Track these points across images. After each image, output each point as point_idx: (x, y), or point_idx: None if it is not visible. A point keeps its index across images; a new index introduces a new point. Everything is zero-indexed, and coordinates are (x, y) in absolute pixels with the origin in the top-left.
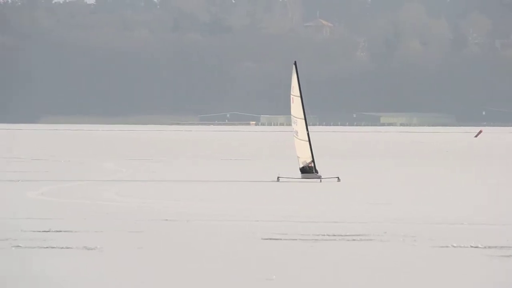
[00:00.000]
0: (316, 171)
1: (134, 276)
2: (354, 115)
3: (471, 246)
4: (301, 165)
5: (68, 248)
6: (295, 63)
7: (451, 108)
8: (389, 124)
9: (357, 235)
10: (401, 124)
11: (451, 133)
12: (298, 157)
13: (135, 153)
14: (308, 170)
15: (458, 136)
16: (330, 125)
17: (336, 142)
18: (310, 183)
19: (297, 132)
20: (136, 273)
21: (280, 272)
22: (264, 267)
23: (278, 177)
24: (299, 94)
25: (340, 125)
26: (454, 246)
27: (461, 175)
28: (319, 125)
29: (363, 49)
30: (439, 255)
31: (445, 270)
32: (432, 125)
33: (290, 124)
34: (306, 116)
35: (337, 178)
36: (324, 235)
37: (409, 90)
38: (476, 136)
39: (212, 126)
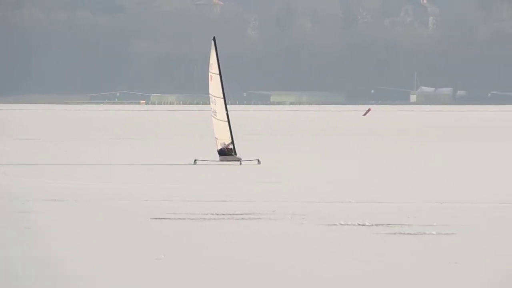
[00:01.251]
0: (235, 153)
1: (18, 257)
2: (245, 94)
3: (359, 224)
4: (219, 147)
5: None
6: (214, 39)
7: (341, 87)
8: (279, 103)
9: (246, 213)
10: (291, 103)
11: (340, 111)
12: (216, 138)
13: (25, 133)
14: (226, 153)
15: (348, 114)
16: None
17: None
18: (225, 166)
19: (216, 112)
20: (19, 256)
21: (169, 251)
22: (153, 247)
23: (195, 160)
24: (218, 72)
25: (230, 103)
26: (341, 224)
27: (350, 153)
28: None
29: (254, 27)
30: (326, 232)
31: (331, 247)
32: (322, 104)
33: (179, 103)
34: (196, 95)
35: (257, 161)
36: (213, 214)
37: (299, 69)
38: (364, 115)
39: (102, 105)
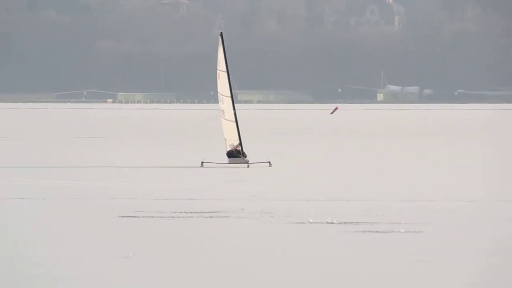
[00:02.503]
0: (244, 155)
1: None
2: (211, 93)
3: (327, 222)
4: (229, 148)
5: None
6: (221, 35)
7: (308, 85)
8: (246, 102)
9: (215, 212)
10: (258, 101)
11: (307, 110)
12: (225, 139)
13: None
14: (235, 154)
15: (315, 113)
16: (187, 103)
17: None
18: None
19: (224, 112)
20: None
21: (137, 249)
22: (121, 245)
23: (202, 162)
24: (225, 69)
25: (198, 102)
26: (310, 222)
27: (318, 152)
28: (176, 102)
29: (219, 27)
30: (294, 230)
31: (298, 245)
32: (289, 102)
33: (146, 102)
34: (163, 94)
35: (268, 163)
36: (181, 212)
37: (266, 68)
38: (332, 113)
39: (68, 103)
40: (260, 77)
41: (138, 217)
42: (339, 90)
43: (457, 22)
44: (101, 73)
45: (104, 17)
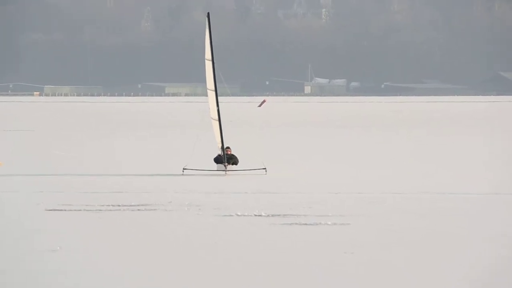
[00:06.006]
0: (233, 159)
1: None
2: (139, 86)
3: (255, 215)
4: (219, 152)
5: None
6: (207, 15)
7: (235, 78)
8: (174, 94)
9: (143, 204)
10: (186, 94)
11: (235, 102)
12: (217, 142)
13: None
14: (222, 160)
15: (242, 105)
16: (115, 95)
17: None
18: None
19: (210, 109)
20: None
21: (64, 243)
22: (48, 238)
23: (183, 169)
24: (210, 57)
25: (125, 95)
26: (238, 215)
27: (250, 144)
28: (103, 95)
29: (147, 19)
30: (221, 223)
31: (225, 237)
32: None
33: (74, 95)
34: (90, 87)
35: (264, 170)
36: (109, 205)
37: (194, 60)
38: (259, 106)
39: None
40: (187, 70)
41: (65, 210)
42: (267, 82)
43: (384, 15)
44: (27, 66)
45: (29, 9)
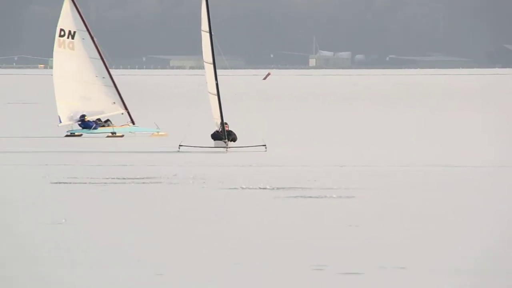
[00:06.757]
0: (232, 136)
1: None
2: (144, 59)
3: (260, 188)
4: (216, 128)
5: None
6: None
7: (240, 51)
8: (178, 67)
9: (147, 178)
10: (191, 67)
11: (240, 75)
12: (213, 118)
13: None
14: (220, 137)
15: (248, 78)
16: (120, 68)
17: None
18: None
19: (207, 83)
20: None
21: (69, 215)
22: (54, 211)
23: (179, 146)
24: (207, 28)
25: (130, 68)
26: (242, 188)
27: (252, 118)
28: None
29: None
30: (226, 196)
31: (229, 210)
32: (221, 68)
33: None
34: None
35: (264, 146)
36: (114, 178)
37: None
38: (264, 79)
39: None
40: (192, 43)
41: (70, 183)
42: (272, 55)
43: None
44: (32, 38)
45: None
